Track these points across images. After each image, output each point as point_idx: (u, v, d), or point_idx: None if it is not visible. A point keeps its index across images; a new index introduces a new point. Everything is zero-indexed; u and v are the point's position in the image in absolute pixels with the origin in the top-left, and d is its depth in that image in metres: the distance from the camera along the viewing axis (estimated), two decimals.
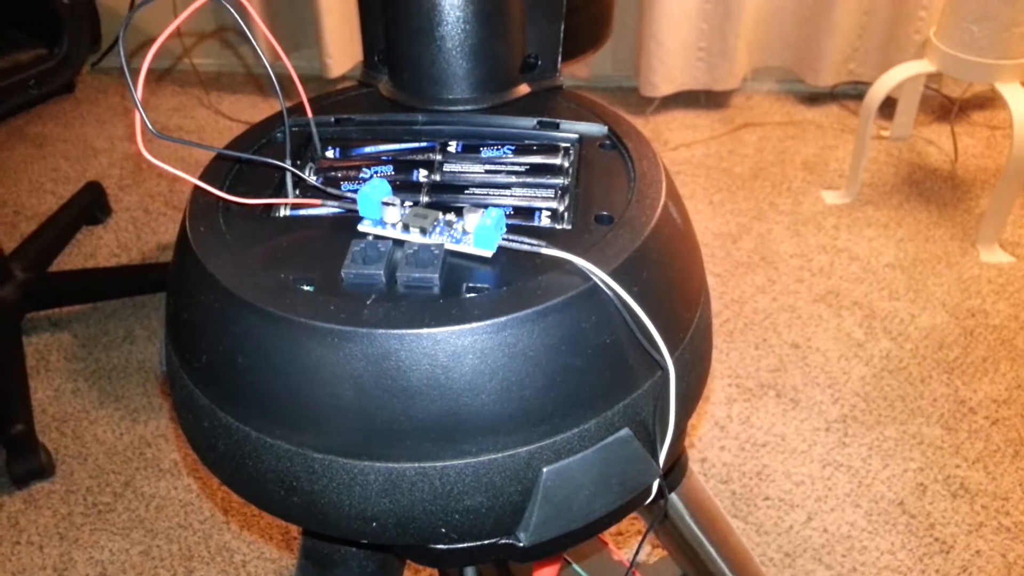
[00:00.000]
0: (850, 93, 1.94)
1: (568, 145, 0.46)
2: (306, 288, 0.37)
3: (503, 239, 0.38)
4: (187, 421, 0.41)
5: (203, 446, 0.40)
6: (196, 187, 0.41)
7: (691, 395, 0.42)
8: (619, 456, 0.38)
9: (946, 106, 1.88)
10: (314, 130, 0.45)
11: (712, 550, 0.57)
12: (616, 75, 2.03)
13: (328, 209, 0.41)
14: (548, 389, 0.36)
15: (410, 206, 0.40)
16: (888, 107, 1.75)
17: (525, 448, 0.36)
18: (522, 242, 0.37)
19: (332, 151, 0.46)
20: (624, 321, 0.37)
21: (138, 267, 1.55)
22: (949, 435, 1.18)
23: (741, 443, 1.18)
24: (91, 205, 1.65)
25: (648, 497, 0.41)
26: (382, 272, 0.37)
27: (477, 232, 0.38)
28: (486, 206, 0.39)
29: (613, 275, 0.37)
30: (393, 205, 0.38)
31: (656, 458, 0.39)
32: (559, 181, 0.43)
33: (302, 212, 0.41)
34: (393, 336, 0.34)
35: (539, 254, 0.37)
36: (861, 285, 1.44)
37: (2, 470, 1.17)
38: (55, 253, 1.57)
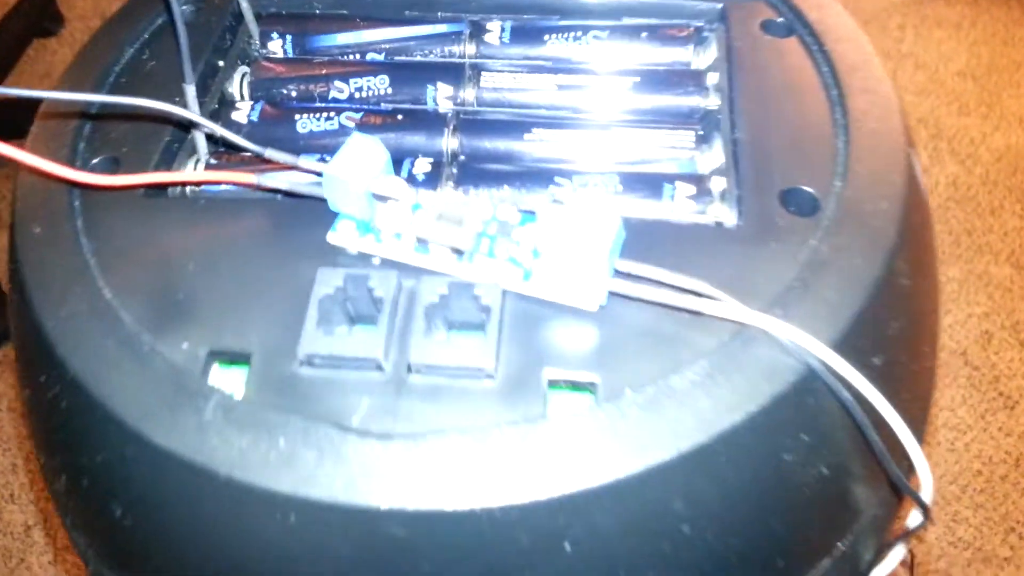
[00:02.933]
0: None
1: (702, 24, 0.26)
2: (230, 383, 0.19)
3: (618, 271, 0.19)
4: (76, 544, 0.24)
5: None
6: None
7: None
8: None
9: None
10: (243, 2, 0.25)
11: None
12: None
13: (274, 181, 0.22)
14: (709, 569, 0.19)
15: (423, 177, 0.21)
16: None
17: None
18: (661, 283, 0.19)
19: (280, 40, 0.26)
20: (858, 432, 0.19)
21: None
22: (1020, 275, 1.02)
23: None
24: (40, 14, 1.41)
25: None
26: (379, 354, 0.18)
27: (567, 262, 0.19)
28: (574, 179, 0.20)
29: (841, 347, 0.18)
30: (393, 200, 0.19)
31: None
32: (697, 102, 0.24)
33: (223, 188, 0.22)
34: (404, 516, 0.17)
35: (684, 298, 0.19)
36: (927, 98, 1.22)
37: None
38: (4, 73, 1.35)
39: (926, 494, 0.20)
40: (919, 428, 0.23)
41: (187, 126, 0.22)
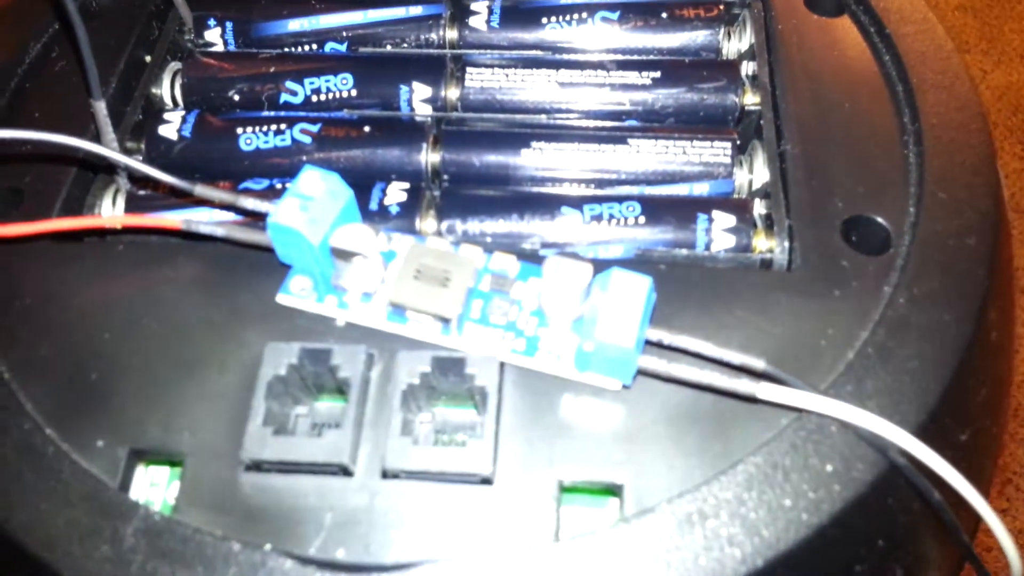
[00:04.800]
0: None
1: (734, 0, 0.21)
2: (157, 490, 0.15)
3: (648, 341, 0.15)
4: None
5: None
6: None
7: None
8: None
9: None
10: None
11: None
12: None
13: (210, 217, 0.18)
14: None
15: (397, 209, 0.17)
16: None
17: None
18: (702, 357, 0.15)
19: (218, 28, 0.21)
20: (944, 530, 0.15)
21: None
22: (1020, 219, 0.98)
23: None
24: None
25: None
26: (346, 456, 0.14)
27: (583, 330, 0.15)
28: (585, 210, 0.16)
29: (928, 430, 0.15)
30: (360, 256, 0.15)
31: None
32: (732, 100, 0.19)
33: (138, 221, 0.18)
34: None
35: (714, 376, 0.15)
36: None
37: None
38: None
39: None
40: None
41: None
